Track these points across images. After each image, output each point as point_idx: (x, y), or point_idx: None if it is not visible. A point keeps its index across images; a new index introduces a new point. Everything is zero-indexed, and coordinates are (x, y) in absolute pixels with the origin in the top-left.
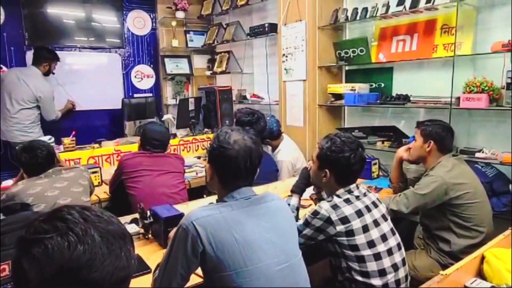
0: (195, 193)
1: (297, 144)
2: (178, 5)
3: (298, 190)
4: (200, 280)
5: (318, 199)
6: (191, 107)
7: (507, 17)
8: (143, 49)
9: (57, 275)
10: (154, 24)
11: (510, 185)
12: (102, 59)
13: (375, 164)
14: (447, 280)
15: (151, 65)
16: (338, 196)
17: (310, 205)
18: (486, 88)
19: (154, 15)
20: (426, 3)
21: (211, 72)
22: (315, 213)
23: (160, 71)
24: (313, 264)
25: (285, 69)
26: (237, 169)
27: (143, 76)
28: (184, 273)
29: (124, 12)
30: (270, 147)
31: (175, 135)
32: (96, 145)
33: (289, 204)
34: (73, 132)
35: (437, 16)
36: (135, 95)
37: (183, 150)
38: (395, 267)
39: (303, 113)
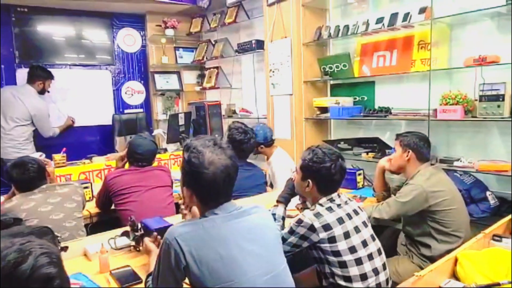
0: None
1: None
2: (168, 23)
3: (283, 200)
4: None
5: (303, 208)
6: (181, 122)
7: (478, 33)
8: (133, 65)
9: None
10: (144, 41)
11: (487, 192)
12: (93, 76)
13: (360, 174)
14: (422, 281)
15: (142, 81)
16: (320, 204)
17: (297, 215)
18: (461, 100)
19: (144, 32)
20: (403, 21)
21: (200, 87)
22: (299, 222)
23: (150, 87)
24: (299, 272)
25: (272, 84)
26: (217, 189)
27: (134, 92)
28: (174, 282)
29: (114, 30)
30: (265, 156)
31: (165, 150)
32: (87, 161)
33: (274, 214)
34: (64, 149)
35: (414, 33)
36: (126, 111)
37: (173, 164)
38: (375, 271)
39: (290, 126)
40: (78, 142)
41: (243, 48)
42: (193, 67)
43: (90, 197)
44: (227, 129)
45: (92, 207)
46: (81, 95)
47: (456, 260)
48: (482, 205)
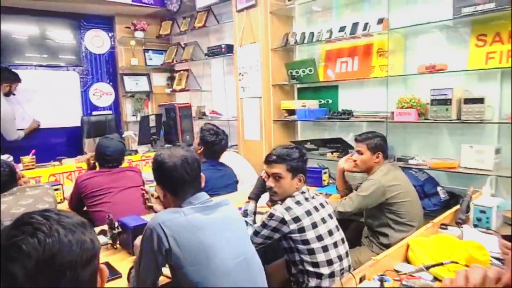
0: None
1: (254, 157)
2: (137, 25)
3: (254, 196)
4: (168, 280)
5: (273, 205)
6: (152, 123)
7: (429, 43)
8: (101, 67)
9: (37, 266)
10: (112, 43)
11: (438, 187)
12: (60, 77)
13: (325, 173)
14: (379, 264)
15: (110, 83)
16: (291, 198)
17: (267, 211)
18: (415, 104)
19: (112, 34)
20: (363, 30)
21: (170, 89)
22: (271, 215)
23: (119, 89)
24: (271, 264)
25: (241, 87)
26: (180, 176)
27: (102, 94)
28: (155, 268)
29: (82, 31)
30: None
31: (136, 151)
32: (57, 163)
33: (246, 210)
34: (33, 151)
35: (373, 41)
36: (94, 113)
37: (145, 165)
38: (340, 258)
39: (259, 128)
40: (45, 144)
41: (213, 52)
42: (162, 69)
43: (61, 199)
44: (199, 130)
45: (64, 208)
46: (48, 97)
47: (408, 246)
48: (434, 199)
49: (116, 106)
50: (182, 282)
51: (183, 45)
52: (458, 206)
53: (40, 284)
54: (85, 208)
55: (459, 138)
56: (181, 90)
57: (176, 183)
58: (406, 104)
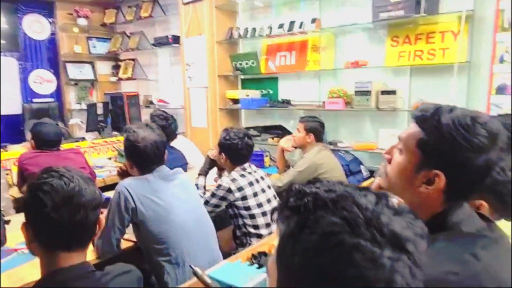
0: (111, 188)
1: (201, 143)
2: (79, 12)
3: (203, 172)
4: (131, 244)
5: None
6: (100, 111)
7: (355, 42)
8: (42, 53)
9: (62, 200)
10: (53, 29)
11: (361, 166)
12: None
13: (266, 156)
14: None
15: (52, 70)
16: (235, 172)
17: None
18: (342, 94)
19: (53, 20)
20: (299, 28)
21: (116, 78)
22: (219, 186)
23: (62, 76)
24: (218, 231)
25: (188, 77)
26: (149, 158)
27: (43, 81)
28: (120, 226)
29: (19, 15)
30: None
31: (83, 139)
32: (1, 150)
33: (197, 184)
34: None
35: (308, 38)
36: (35, 100)
37: (93, 152)
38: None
39: (206, 116)
40: None
41: (160, 42)
42: (107, 57)
43: (10, 185)
44: (149, 117)
45: (15, 192)
46: None
47: None
48: (357, 176)
49: (58, 94)
50: (146, 237)
51: (128, 34)
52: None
53: (61, 214)
54: None
55: (377, 124)
56: (128, 79)
57: (145, 162)
58: (335, 94)
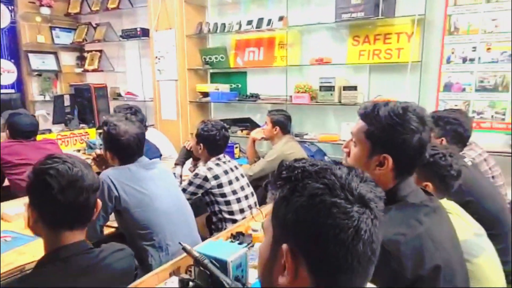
0: None
1: (172, 135)
2: (42, 1)
3: (180, 162)
4: (112, 230)
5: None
6: (67, 103)
7: (319, 40)
8: (1, 42)
9: (67, 183)
10: (13, 17)
11: (325, 157)
12: None
13: (236, 147)
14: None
15: (12, 60)
16: (211, 162)
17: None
18: (308, 89)
19: (13, 7)
20: (267, 25)
21: (82, 69)
22: (196, 175)
23: (23, 67)
24: (198, 216)
25: (158, 70)
26: (132, 150)
27: (3, 71)
28: (104, 214)
29: None
30: None
31: (50, 131)
32: None
33: (174, 173)
34: None
35: (275, 35)
36: None
37: (61, 144)
38: (250, 207)
39: (176, 108)
40: None
41: (128, 35)
42: (72, 48)
43: None
44: (114, 110)
45: None
46: None
47: None
48: None
49: (19, 85)
50: (129, 223)
51: (94, 25)
52: None
53: (66, 196)
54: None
55: (340, 117)
56: (94, 71)
57: (127, 154)
58: (301, 89)
